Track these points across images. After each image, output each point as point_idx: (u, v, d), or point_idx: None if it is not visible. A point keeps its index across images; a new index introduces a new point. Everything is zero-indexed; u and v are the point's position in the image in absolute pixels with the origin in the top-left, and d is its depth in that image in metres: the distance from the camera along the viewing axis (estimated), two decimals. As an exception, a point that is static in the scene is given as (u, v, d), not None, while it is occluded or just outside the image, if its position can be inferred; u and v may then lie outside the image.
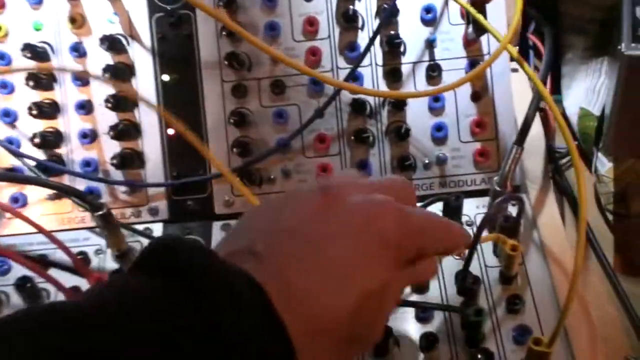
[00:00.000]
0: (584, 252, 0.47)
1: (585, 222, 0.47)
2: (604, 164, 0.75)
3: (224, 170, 0.62)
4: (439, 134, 0.64)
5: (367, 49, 0.62)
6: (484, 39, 0.64)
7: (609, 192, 0.74)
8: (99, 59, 0.66)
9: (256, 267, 0.35)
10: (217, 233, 0.64)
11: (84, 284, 0.58)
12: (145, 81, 0.66)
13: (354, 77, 0.64)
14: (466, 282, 0.52)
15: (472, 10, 0.59)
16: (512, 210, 0.60)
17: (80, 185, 0.67)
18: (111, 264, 0.62)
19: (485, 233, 0.56)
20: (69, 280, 0.59)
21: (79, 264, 0.56)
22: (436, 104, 0.64)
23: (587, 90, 0.78)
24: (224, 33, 0.65)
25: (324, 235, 0.38)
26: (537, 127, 0.61)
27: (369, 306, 0.38)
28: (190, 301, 0.31)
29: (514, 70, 0.69)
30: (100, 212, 0.58)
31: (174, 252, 0.33)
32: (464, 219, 0.61)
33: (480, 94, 0.64)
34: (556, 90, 0.83)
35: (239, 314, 0.31)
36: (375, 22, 0.65)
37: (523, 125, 0.56)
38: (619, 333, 0.66)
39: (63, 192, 0.61)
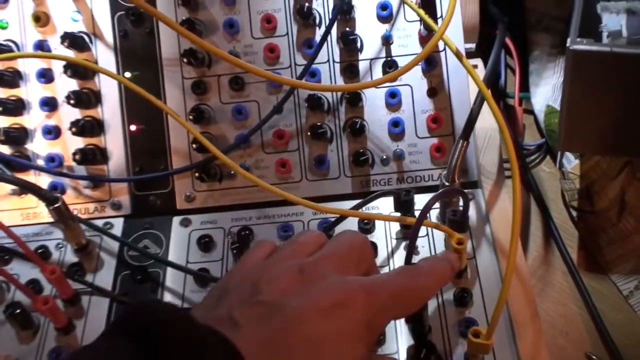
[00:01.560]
0: (516, 250, 0.47)
1: (518, 228, 0.47)
2: (570, 161, 0.75)
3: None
4: (396, 130, 0.65)
5: (321, 45, 0.62)
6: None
7: (573, 189, 0.75)
8: (63, 56, 0.67)
9: (236, 335, 0.37)
10: (177, 228, 0.65)
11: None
12: (108, 78, 0.67)
13: (311, 73, 0.65)
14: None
15: (409, 2, 0.60)
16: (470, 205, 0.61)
17: (46, 181, 0.68)
18: (71, 258, 0.63)
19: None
20: (30, 272, 0.62)
21: (34, 256, 0.57)
22: (392, 100, 0.65)
23: (554, 87, 0.79)
24: (183, 30, 0.65)
25: (302, 309, 0.40)
26: (492, 122, 0.61)
27: None
28: None
29: (474, 66, 0.70)
30: (54, 205, 0.59)
31: (151, 322, 0.35)
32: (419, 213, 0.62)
33: (437, 90, 0.65)
34: (525, 87, 0.83)
35: None
36: (333, 19, 0.65)
37: (468, 120, 0.56)
38: (580, 330, 0.66)
39: (18, 185, 0.62)
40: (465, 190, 0.61)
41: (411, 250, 0.51)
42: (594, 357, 0.64)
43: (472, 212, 0.62)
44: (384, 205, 0.62)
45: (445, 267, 0.49)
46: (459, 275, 0.57)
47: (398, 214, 0.59)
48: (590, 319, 0.67)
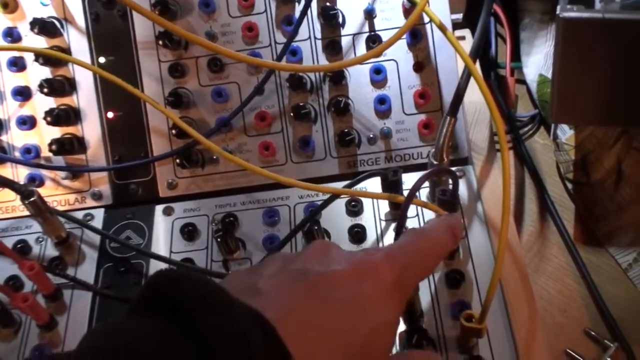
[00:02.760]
0: (507, 229, 0.45)
1: (508, 205, 0.46)
2: (565, 132, 0.73)
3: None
4: (382, 107, 0.62)
5: (300, 21, 0.60)
6: (425, 6, 0.62)
7: (568, 161, 0.72)
8: (34, 43, 0.65)
9: (262, 303, 0.34)
10: (159, 217, 0.63)
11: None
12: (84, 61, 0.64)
13: (292, 51, 0.63)
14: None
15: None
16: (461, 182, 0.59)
17: (24, 173, 0.66)
18: (51, 252, 0.61)
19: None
20: (10, 268, 0.60)
21: (11, 253, 0.55)
22: (377, 76, 0.62)
23: (546, 56, 0.76)
24: (156, 12, 0.63)
25: (329, 274, 0.39)
26: (481, 96, 0.58)
27: (377, 344, 0.38)
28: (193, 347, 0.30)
29: (461, 38, 0.67)
30: (30, 199, 0.57)
31: (179, 292, 0.32)
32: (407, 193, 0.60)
33: (423, 64, 0.62)
34: (517, 57, 0.80)
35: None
36: (312, -6, 0.63)
37: (455, 96, 0.54)
38: (578, 305, 0.65)
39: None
40: (456, 167, 0.59)
41: (400, 230, 0.49)
42: (593, 333, 0.63)
43: (463, 190, 0.60)
44: (372, 186, 0.60)
45: (453, 223, 0.47)
46: (450, 255, 0.55)
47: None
48: (589, 294, 0.65)
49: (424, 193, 0.60)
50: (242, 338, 0.31)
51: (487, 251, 0.56)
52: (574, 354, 0.61)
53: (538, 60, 0.77)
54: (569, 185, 0.72)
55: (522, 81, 0.80)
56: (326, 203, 0.57)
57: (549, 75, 0.75)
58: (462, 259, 0.56)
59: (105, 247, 0.61)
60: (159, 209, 0.63)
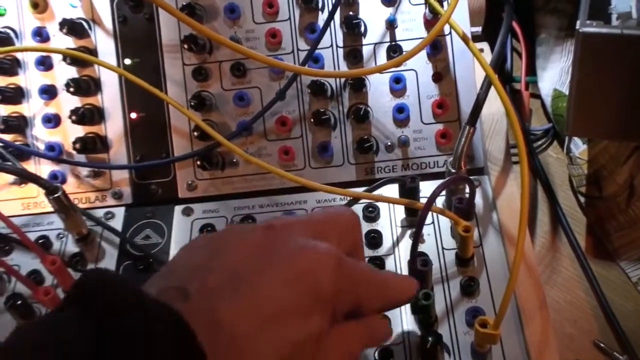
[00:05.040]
0: (524, 239, 0.46)
1: (526, 215, 0.46)
2: (578, 146, 0.74)
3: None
4: (401, 116, 0.63)
5: (324, 29, 0.61)
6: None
7: (581, 175, 0.73)
8: (62, 43, 0.66)
9: (187, 306, 0.34)
10: (179, 217, 0.64)
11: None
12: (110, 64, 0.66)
13: (314, 58, 0.64)
14: (415, 265, 0.51)
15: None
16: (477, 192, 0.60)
17: (46, 170, 0.67)
18: (72, 248, 0.62)
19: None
20: (32, 263, 0.61)
21: (34, 247, 0.56)
22: (397, 85, 0.63)
23: (562, 71, 0.77)
24: (183, 16, 0.64)
25: (261, 277, 0.37)
26: (498, 107, 0.60)
27: (301, 357, 0.37)
28: (106, 342, 0.31)
29: (480, 50, 0.68)
30: (54, 195, 0.58)
31: (97, 291, 0.33)
32: (424, 201, 0.61)
33: (442, 74, 0.63)
34: (532, 71, 0.82)
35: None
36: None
37: (474, 106, 0.55)
38: (589, 317, 0.66)
39: (18, 175, 0.61)
40: (472, 177, 0.60)
41: (417, 237, 0.50)
42: (602, 345, 0.63)
43: (478, 199, 0.61)
44: (389, 193, 0.61)
45: (412, 289, 0.46)
46: (465, 263, 0.56)
47: (403, 202, 0.58)
48: (599, 307, 0.66)
49: (439, 201, 0.61)
50: (149, 337, 0.31)
51: (502, 260, 0.57)
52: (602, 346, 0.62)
53: (553, 75, 0.78)
54: (581, 199, 0.73)
55: (536, 95, 0.81)
56: None
57: (564, 90, 0.76)
58: (477, 266, 0.56)
59: (125, 245, 0.62)
60: (178, 209, 0.64)
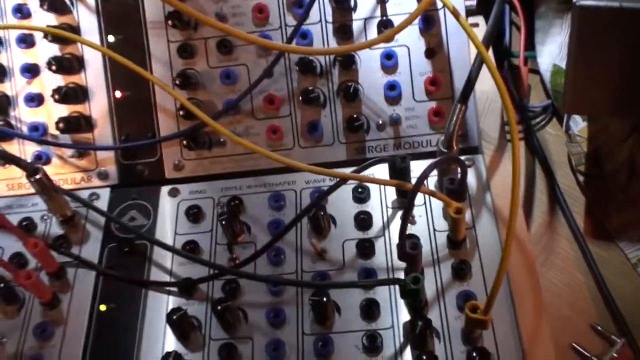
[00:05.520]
0: (515, 221, 0.44)
1: (518, 196, 0.45)
2: (578, 124, 0.72)
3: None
4: (392, 93, 0.62)
5: (311, 4, 0.59)
6: (438, -8, 0.61)
7: (580, 153, 0.71)
8: (44, 20, 0.64)
9: None
10: (165, 198, 0.62)
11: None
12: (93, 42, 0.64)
13: (302, 34, 0.62)
14: (404, 248, 0.49)
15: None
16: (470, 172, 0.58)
17: (31, 150, 0.65)
18: (56, 230, 0.61)
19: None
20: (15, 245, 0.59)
21: (15, 230, 0.55)
22: (388, 61, 0.61)
23: (561, 45, 0.75)
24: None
25: None
26: (493, 84, 0.57)
27: None
28: None
29: (474, 25, 0.66)
30: (35, 177, 0.56)
31: None
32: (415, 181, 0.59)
33: (435, 50, 0.61)
34: (531, 46, 0.79)
35: None
36: (324, -23, 0.62)
37: (466, 83, 0.53)
38: (586, 300, 0.64)
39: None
40: (465, 157, 0.58)
41: (406, 219, 0.49)
42: (599, 328, 0.62)
43: (471, 179, 0.59)
44: (380, 173, 0.60)
45: None
46: (457, 245, 0.55)
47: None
48: (597, 288, 0.64)
49: (431, 182, 0.59)
50: None
51: (495, 242, 0.55)
52: (579, 349, 0.61)
53: (553, 49, 0.75)
54: (580, 178, 0.71)
55: (535, 71, 0.79)
56: (333, 188, 0.56)
57: (563, 65, 0.74)
58: (469, 249, 0.55)
59: (110, 227, 0.61)
60: (164, 190, 0.63)
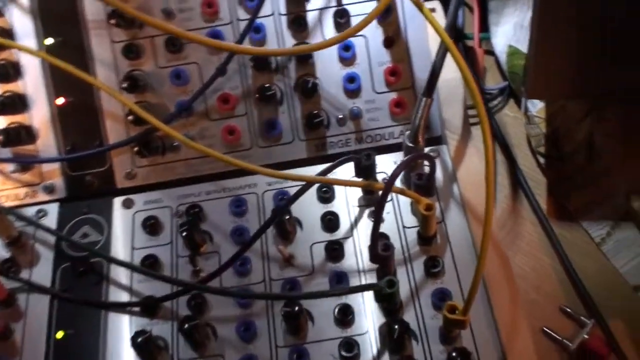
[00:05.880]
0: (490, 221, 0.43)
1: (492, 185, 0.43)
2: (535, 105, 0.71)
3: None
4: (352, 86, 0.59)
5: (263, -5, 0.56)
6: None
7: (539, 134, 0.71)
8: (-28, 24, 0.60)
9: None
10: (119, 210, 0.59)
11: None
12: (28, 46, 0.60)
13: (255, 29, 0.59)
14: (376, 251, 0.48)
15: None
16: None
17: (-32, 165, 0.61)
18: (2, 253, 0.57)
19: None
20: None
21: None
22: (346, 53, 0.59)
23: (516, 26, 0.74)
24: (106, -12, 0.58)
25: None
26: (453, 73, 0.56)
27: None
28: None
29: (431, 10, 0.64)
30: (-25, 199, 0.52)
31: None
32: (381, 176, 0.57)
33: (393, 39, 0.59)
34: (484, 27, 0.78)
35: None
36: (274, -33, 0.59)
37: (430, 75, 0.51)
38: (553, 283, 0.64)
39: None
40: (430, 148, 0.57)
41: (377, 223, 0.47)
42: (568, 310, 0.62)
43: (438, 171, 0.57)
44: (342, 170, 0.58)
45: None
46: (428, 241, 0.53)
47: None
48: (563, 270, 0.64)
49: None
50: None
51: (466, 235, 0.54)
52: (550, 332, 0.60)
53: (507, 30, 0.74)
54: (541, 160, 0.71)
55: (490, 52, 0.78)
56: (298, 194, 0.53)
57: (519, 46, 0.73)
58: (440, 244, 0.54)
59: (62, 246, 0.57)
60: (117, 201, 0.59)
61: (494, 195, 0.42)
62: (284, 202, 0.53)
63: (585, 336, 0.60)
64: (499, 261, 0.53)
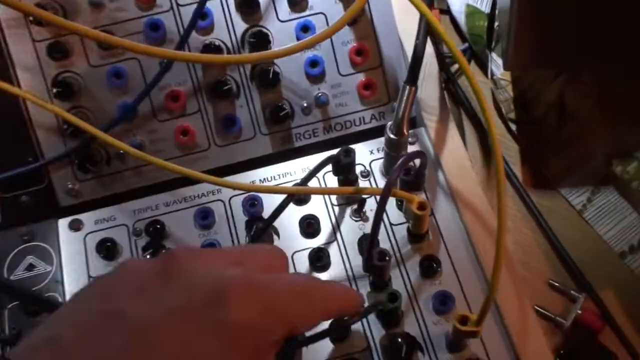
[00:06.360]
0: (505, 207, 0.38)
1: (501, 157, 0.39)
2: (500, 67, 0.67)
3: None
4: (315, 71, 0.53)
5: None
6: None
7: (509, 99, 0.67)
8: None
9: None
10: (66, 233, 0.52)
11: None
12: None
13: (201, 15, 0.51)
14: (372, 262, 0.43)
15: None
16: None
17: None
18: None
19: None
20: None
21: None
22: (306, 34, 0.53)
23: (472, -17, 0.69)
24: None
25: (152, 321, 0.29)
26: (427, 48, 0.50)
27: None
28: None
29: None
30: None
31: None
32: (359, 169, 0.52)
33: (356, 15, 0.53)
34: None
35: None
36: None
37: (413, 60, 0.46)
38: (538, 256, 0.62)
39: None
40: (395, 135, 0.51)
41: (376, 229, 0.42)
42: (557, 284, 0.59)
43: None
44: (312, 162, 0.52)
45: (353, 296, 0.40)
46: (420, 239, 0.49)
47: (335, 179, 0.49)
48: (547, 242, 0.62)
49: (376, 166, 0.53)
50: None
51: (458, 227, 0.50)
52: (543, 311, 0.58)
53: (463, -12, 0.69)
54: (512, 126, 0.67)
55: (445, 11, 0.73)
56: (278, 211, 0.47)
57: (478, 5, 0.68)
58: (433, 241, 0.49)
59: (7, 282, 0.50)
60: (63, 223, 0.52)
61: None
62: (263, 223, 0.47)
63: (579, 311, 0.57)
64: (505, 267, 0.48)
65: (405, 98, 0.46)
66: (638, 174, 0.60)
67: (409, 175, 0.47)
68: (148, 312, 0.30)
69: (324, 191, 0.49)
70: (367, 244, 0.43)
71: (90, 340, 0.29)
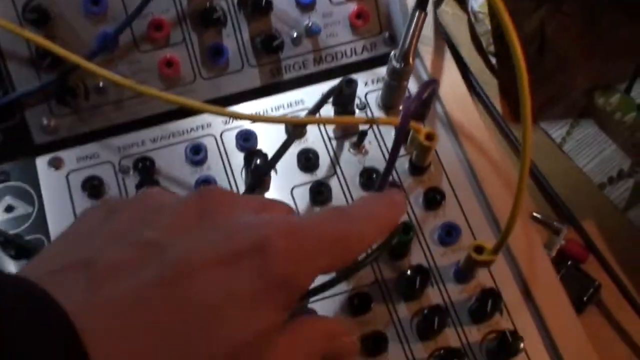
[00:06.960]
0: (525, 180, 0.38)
1: (528, 99, 0.38)
2: (477, -1, 0.66)
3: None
4: (305, -1, 0.51)
5: None
6: None
7: (487, 32, 0.66)
8: None
9: (82, 294, 0.26)
10: (46, 172, 0.48)
11: None
12: None
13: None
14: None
15: None
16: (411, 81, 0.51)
17: None
18: None
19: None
20: None
21: None
22: (295, -40, 0.50)
23: None
24: None
25: (192, 255, 0.28)
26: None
27: None
28: None
29: None
30: None
31: None
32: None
33: (347, -64, 0.51)
34: None
35: None
36: None
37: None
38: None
39: None
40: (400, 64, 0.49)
41: (388, 172, 0.40)
42: (540, 217, 0.60)
43: (413, 86, 0.51)
44: (310, 97, 0.50)
45: (389, 210, 0.36)
46: (422, 171, 0.48)
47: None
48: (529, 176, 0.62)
49: (371, 98, 0.51)
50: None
51: (459, 157, 0.49)
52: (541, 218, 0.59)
53: None
54: (493, 60, 0.66)
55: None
56: (283, 149, 0.45)
57: None
58: (434, 172, 0.48)
59: (-19, 226, 0.46)
60: (41, 161, 0.48)
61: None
62: (267, 163, 0.45)
63: (563, 242, 0.58)
64: (509, 196, 0.48)
65: (414, 24, 0.44)
66: (620, 106, 0.60)
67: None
68: (191, 249, 0.28)
69: (337, 120, 0.48)
70: (382, 176, 0.41)
71: (132, 269, 0.26)
